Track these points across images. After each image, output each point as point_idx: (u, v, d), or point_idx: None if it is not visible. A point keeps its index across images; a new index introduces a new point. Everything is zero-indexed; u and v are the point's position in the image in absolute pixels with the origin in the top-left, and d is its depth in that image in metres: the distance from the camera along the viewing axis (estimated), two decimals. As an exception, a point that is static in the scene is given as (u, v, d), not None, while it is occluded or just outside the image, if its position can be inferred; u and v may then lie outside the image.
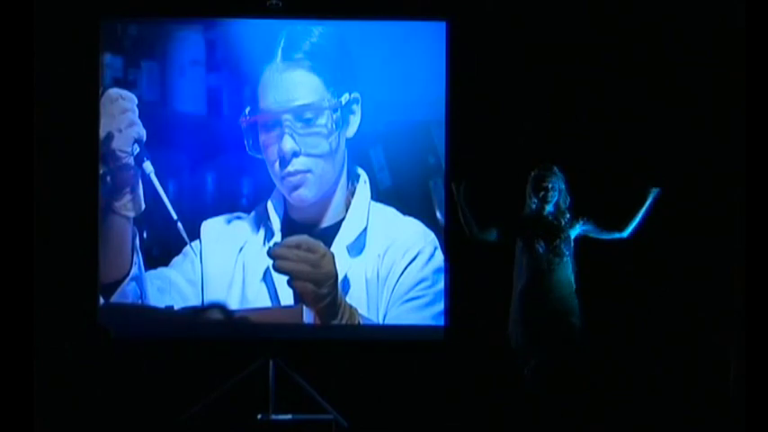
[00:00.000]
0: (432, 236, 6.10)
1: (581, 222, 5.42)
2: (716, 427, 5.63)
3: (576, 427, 5.40)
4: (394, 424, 5.94)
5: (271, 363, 5.98)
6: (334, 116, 6.03)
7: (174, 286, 6.06)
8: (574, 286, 5.38)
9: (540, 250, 5.34)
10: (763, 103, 4.75)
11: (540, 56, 6.13)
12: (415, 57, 6.11)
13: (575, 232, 5.42)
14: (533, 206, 5.42)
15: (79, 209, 6.08)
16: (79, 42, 6.07)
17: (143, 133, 6.07)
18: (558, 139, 6.02)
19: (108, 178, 6.07)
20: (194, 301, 6.08)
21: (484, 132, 6.15)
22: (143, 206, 6.09)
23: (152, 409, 5.94)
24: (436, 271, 6.09)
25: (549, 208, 5.40)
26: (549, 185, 5.37)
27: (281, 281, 6.05)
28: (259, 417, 5.94)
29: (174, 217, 6.06)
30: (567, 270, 5.37)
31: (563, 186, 5.41)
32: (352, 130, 6.09)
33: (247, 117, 6.05)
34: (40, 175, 5.40)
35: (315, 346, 6.11)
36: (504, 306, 5.98)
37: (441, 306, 6.09)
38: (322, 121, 6.02)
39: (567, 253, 5.37)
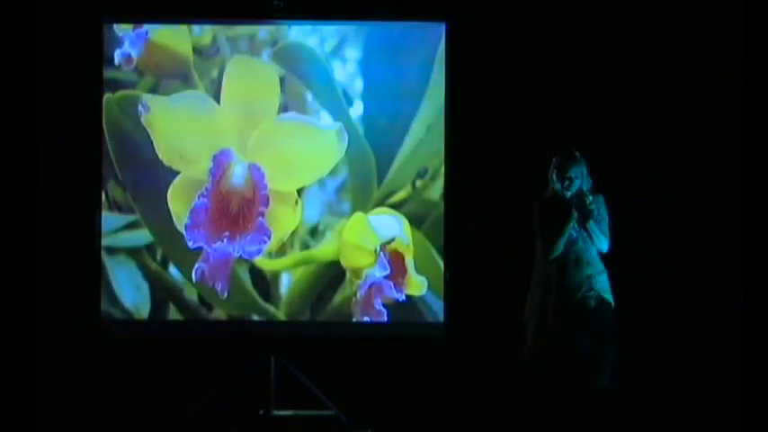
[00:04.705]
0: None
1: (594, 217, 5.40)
2: (713, 426, 5.65)
3: (573, 425, 5.43)
4: (395, 420, 5.98)
5: (272, 359, 6.04)
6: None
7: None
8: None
9: (590, 228, 5.34)
10: (761, 104, 4.77)
11: (540, 56, 6.13)
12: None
13: None
14: (556, 188, 5.39)
15: (82, 209, 6.10)
16: (81, 44, 6.11)
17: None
18: (557, 139, 6.01)
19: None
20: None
21: (484, 133, 6.18)
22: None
23: (153, 406, 5.99)
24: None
25: (570, 193, 5.38)
26: (573, 175, 5.36)
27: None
28: (261, 413, 6.01)
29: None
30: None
31: (585, 171, 5.40)
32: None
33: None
34: (43, 176, 5.46)
35: (315, 343, 6.16)
36: (503, 302, 6.04)
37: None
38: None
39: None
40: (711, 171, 6.00)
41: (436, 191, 6.18)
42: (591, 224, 5.35)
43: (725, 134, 5.87)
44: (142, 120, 5.98)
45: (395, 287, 6.07)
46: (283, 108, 6.10)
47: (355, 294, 6.08)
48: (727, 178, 5.83)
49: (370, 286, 6.05)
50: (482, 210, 6.15)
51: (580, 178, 5.37)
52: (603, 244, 5.39)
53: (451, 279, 6.13)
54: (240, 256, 5.98)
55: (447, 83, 6.12)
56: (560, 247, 5.34)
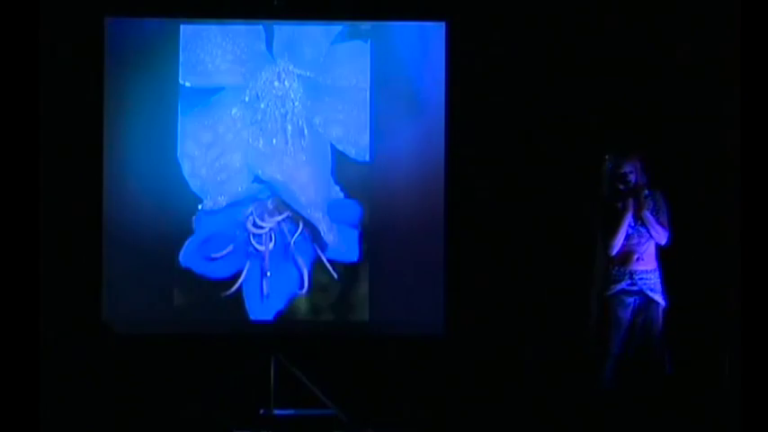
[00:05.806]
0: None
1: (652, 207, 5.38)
2: (711, 426, 5.66)
3: (571, 424, 5.44)
4: (395, 420, 5.98)
5: (272, 359, 6.04)
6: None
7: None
8: None
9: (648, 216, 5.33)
10: (761, 103, 4.76)
11: (539, 56, 6.15)
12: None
13: None
14: (611, 184, 5.37)
15: (84, 207, 6.13)
16: (83, 41, 6.13)
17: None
18: (557, 140, 6.05)
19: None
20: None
21: (484, 133, 6.20)
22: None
23: (154, 405, 5.99)
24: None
25: (626, 188, 5.36)
26: (627, 170, 5.34)
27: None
28: (261, 412, 6.02)
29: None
30: None
31: (639, 166, 5.37)
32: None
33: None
34: (45, 174, 5.44)
35: (316, 342, 6.17)
36: (503, 302, 6.05)
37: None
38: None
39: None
40: (711, 170, 6.01)
41: (435, 191, 6.22)
42: (648, 215, 5.31)
43: (724, 133, 5.88)
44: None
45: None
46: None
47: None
48: (725, 178, 5.84)
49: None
50: (482, 209, 6.16)
51: (634, 173, 5.35)
52: (662, 237, 5.35)
53: (451, 280, 6.14)
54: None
55: (447, 83, 6.14)
56: (619, 242, 5.30)
